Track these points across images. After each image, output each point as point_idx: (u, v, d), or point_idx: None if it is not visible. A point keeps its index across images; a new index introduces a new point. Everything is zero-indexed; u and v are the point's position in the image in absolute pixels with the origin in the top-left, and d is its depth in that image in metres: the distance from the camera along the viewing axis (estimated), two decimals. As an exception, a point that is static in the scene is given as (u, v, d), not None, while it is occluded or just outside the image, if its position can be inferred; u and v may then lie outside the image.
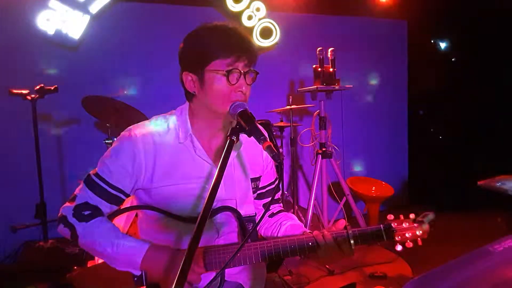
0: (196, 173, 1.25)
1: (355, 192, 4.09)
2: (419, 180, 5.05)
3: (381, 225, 1.19)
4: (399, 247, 1.16)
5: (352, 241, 1.16)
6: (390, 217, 1.19)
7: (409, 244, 1.16)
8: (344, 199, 3.50)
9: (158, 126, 1.26)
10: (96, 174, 1.22)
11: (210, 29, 1.20)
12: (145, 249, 1.16)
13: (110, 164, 1.22)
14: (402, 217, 1.19)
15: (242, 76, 1.17)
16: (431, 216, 1.17)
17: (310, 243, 1.18)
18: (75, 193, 1.24)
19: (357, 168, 4.69)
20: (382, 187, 4.40)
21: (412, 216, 1.19)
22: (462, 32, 4.66)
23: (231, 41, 1.17)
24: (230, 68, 1.15)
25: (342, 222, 1.20)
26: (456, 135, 4.78)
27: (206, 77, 1.17)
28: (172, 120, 1.28)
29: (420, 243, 1.17)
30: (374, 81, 4.79)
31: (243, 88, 1.18)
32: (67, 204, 1.23)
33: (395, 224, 1.18)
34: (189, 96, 1.26)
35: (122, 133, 1.26)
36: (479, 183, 2.28)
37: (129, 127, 1.27)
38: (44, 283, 2.81)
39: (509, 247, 0.85)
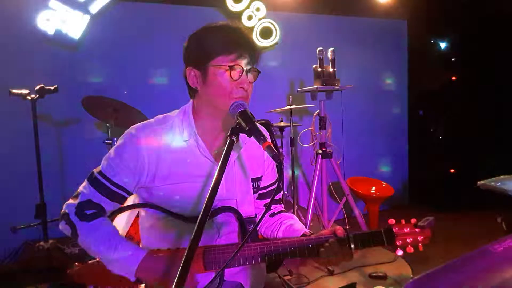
0: (198, 172, 1.25)
1: (355, 192, 4.09)
2: (419, 180, 5.05)
3: (382, 229, 1.19)
4: (400, 252, 1.16)
5: (352, 245, 1.16)
6: (391, 221, 1.19)
7: (410, 249, 1.16)
8: (344, 199, 3.50)
9: (162, 125, 1.27)
10: (100, 172, 1.23)
11: (214, 27, 1.23)
12: (140, 257, 1.17)
13: (113, 162, 1.23)
14: (403, 221, 1.19)
15: (244, 73, 1.19)
16: (432, 221, 1.17)
17: (310, 245, 1.18)
18: (78, 190, 1.25)
19: (357, 168, 4.69)
20: (382, 187, 4.40)
21: (413, 221, 1.19)
22: (462, 32, 4.66)
23: (235, 39, 1.19)
24: (233, 64, 1.17)
25: (340, 228, 1.20)
26: (456, 135, 4.78)
27: (209, 72, 1.19)
28: (175, 119, 1.29)
29: (421, 248, 1.16)
30: (374, 81, 4.79)
31: (245, 85, 1.19)
32: (70, 201, 1.24)
33: (396, 228, 1.17)
34: (192, 93, 1.27)
35: (126, 131, 1.27)
36: (478, 183, 2.29)
37: (132, 126, 1.28)
38: (44, 283, 2.81)
39: (509, 247, 0.85)
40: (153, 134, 1.24)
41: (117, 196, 1.24)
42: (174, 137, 1.25)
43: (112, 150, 1.26)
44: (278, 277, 2.79)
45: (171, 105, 1.36)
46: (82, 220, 1.20)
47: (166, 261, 1.17)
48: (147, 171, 1.22)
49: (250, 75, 1.21)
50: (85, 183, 1.25)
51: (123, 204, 1.30)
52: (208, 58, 1.18)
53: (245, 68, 1.19)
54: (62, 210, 1.23)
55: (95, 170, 1.25)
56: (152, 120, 1.31)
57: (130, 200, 1.35)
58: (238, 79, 1.18)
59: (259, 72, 1.24)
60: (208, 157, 1.26)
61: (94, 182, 1.23)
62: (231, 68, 1.16)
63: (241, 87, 1.18)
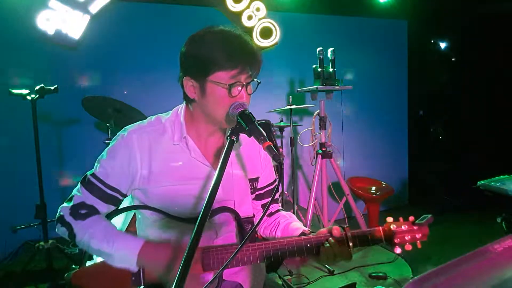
0: (193, 174, 1.25)
1: (355, 192, 4.08)
2: (419, 180, 5.06)
3: (380, 228, 1.19)
4: (398, 250, 1.16)
5: (351, 244, 1.16)
6: (389, 219, 1.19)
7: (408, 247, 1.15)
8: (344, 199, 3.50)
9: (154, 127, 1.27)
10: (93, 174, 1.23)
11: (215, 36, 1.16)
12: (140, 244, 1.16)
13: (106, 164, 1.23)
14: (401, 219, 1.19)
15: (244, 88, 1.17)
16: (430, 219, 1.17)
17: (308, 245, 1.18)
18: (72, 193, 1.25)
19: (357, 168, 4.69)
20: (382, 187, 4.40)
21: (411, 218, 1.18)
22: (462, 32, 4.66)
23: (236, 52, 1.14)
24: (233, 81, 1.14)
25: (337, 228, 1.19)
26: (456, 135, 4.79)
27: (207, 87, 1.16)
28: (167, 120, 1.28)
29: (419, 246, 1.16)
30: (374, 81, 4.79)
31: (243, 99, 1.17)
32: (65, 204, 1.24)
33: (394, 226, 1.17)
34: (188, 99, 1.26)
35: (118, 133, 1.27)
36: (478, 183, 2.28)
37: (124, 128, 1.27)
38: (44, 283, 2.81)
39: (509, 247, 0.85)
40: (145, 135, 1.23)
41: (111, 198, 1.23)
42: (165, 139, 1.25)
43: (104, 152, 1.25)
44: (278, 277, 2.79)
45: (171, 105, 1.36)
46: (77, 219, 1.20)
47: (167, 248, 1.16)
48: (140, 172, 1.22)
49: (249, 88, 1.20)
50: (78, 186, 1.25)
51: (117, 206, 1.29)
52: (208, 72, 1.14)
53: (244, 83, 1.16)
54: (57, 214, 1.24)
55: (88, 173, 1.25)
56: (144, 121, 1.30)
57: (127, 203, 1.35)
58: (237, 95, 1.15)
59: (259, 83, 1.21)
60: (201, 160, 1.25)
61: (87, 184, 1.23)
62: (230, 86, 1.14)
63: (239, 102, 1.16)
